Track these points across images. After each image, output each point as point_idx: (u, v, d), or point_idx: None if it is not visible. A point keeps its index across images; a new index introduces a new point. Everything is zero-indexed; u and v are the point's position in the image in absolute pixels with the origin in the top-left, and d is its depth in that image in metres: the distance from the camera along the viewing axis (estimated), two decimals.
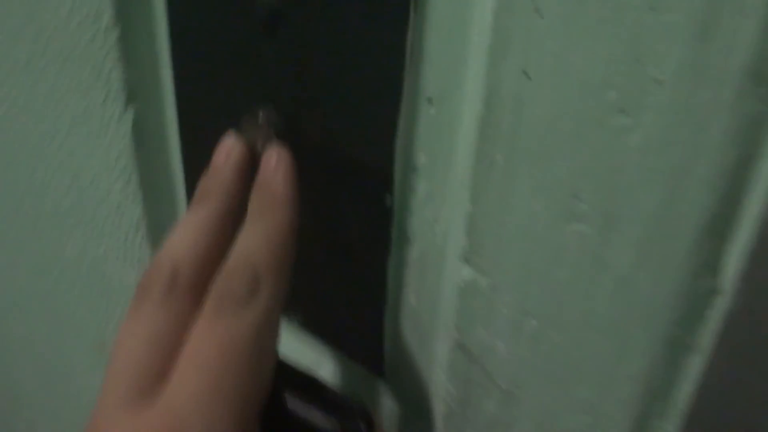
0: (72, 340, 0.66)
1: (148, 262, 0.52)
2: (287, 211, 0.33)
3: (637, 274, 0.26)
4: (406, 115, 0.31)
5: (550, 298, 0.29)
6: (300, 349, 0.44)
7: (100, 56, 0.43)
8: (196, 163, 0.43)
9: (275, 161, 0.34)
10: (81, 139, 0.49)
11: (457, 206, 0.31)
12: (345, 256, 0.38)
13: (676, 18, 0.22)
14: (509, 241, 0.29)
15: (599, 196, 0.26)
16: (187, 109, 0.42)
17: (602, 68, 0.24)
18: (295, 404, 0.37)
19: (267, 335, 0.32)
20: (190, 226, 0.34)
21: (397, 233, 0.35)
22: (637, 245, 0.26)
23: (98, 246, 0.55)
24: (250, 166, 0.36)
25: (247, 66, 0.37)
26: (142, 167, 0.47)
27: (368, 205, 0.35)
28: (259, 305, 0.30)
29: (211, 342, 0.30)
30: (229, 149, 0.36)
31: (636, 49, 0.23)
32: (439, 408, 0.38)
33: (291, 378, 0.37)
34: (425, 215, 0.34)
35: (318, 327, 0.43)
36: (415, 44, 0.30)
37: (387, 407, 0.42)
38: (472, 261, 0.31)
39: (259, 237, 0.33)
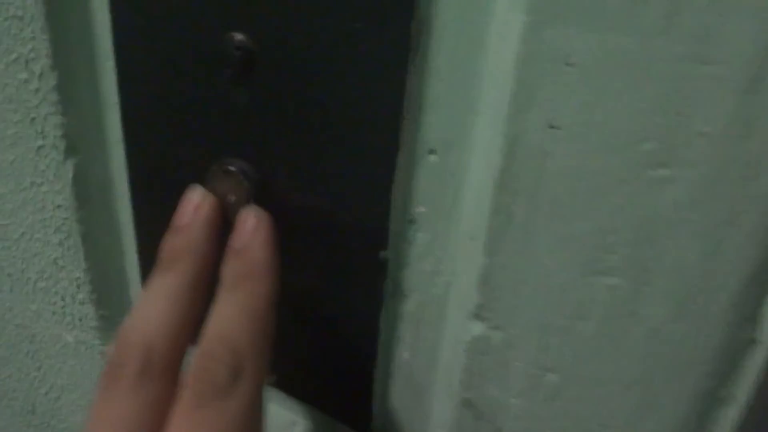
0: None
1: (89, 322, 0.47)
2: (266, 281, 0.30)
3: (671, 326, 0.25)
4: (403, 166, 0.29)
5: (573, 352, 0.28)
6: (272, 409, 0.41)
7: (33, 101, 0.39)
8: (149, 218, 0.39)
9: (252, 224, 0.31)
10: (10, 188, 0.44)
11: (465, 258, 0.30)
12: (331, 311, 0.35)
13: (724, 71, 0.21)
14: (528, 295, 0.28)
15: (633, 248, 0.25)
16: (138, 160, 0.39)
17: (639, 120, 0.23)
18: None
19: (252, 422, 0.29)
20: (159, 296, 0.31)
21: (390, 287, 0.33)
22: (673, 297, 0.25)
23: (30, 303, 0.50)
24: (222, 223, 0.33)
25: (213, 113, 0.34)
26: (84, 221, 0.43)
27: (360, 260, 0.32)
28: (242, 391, 0.28)
29: None
30: (197, 203, 0.33)
31: (678, 101, 0.22)
32: None
33: None
34: (423, 267, 0.32)
35: (295, 386, 0.40)
36: (414, 92, 0.28)
37: None
38: (484, 315, 0.29)
39: (237, 312, 0.30)
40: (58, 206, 0.42)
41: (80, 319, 0.48)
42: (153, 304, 0.31)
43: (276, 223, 0.32)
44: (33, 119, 0.39)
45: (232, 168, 0.33)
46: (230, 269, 0.31)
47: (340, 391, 0.38)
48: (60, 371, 0.53)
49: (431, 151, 0.29)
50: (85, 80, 0.39)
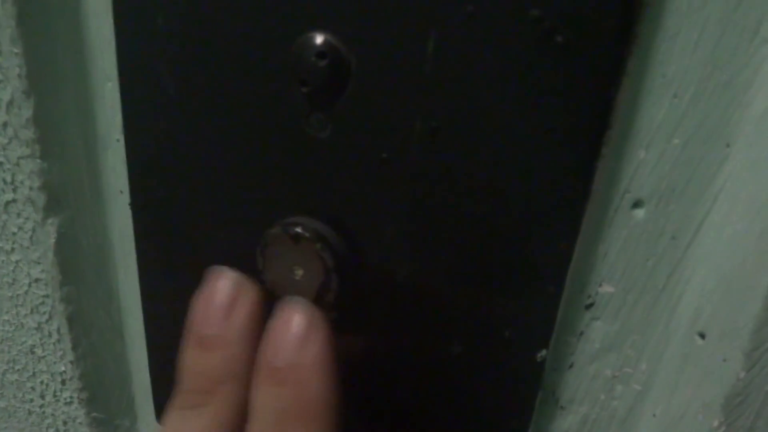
0: None
1: (78, 428, 0.36)
2: (327, 425, 0.20)
3: None
4: (590, 226, 0.19)
5: None
6: None
7: (0, 140, 0.28)
8: (162, 293, 0.28)
9: (299, 328, 0.20)
10: None
11: (680, 360, 0.19)
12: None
13: None
14: None
15: None
16: (149, 216, 0.28)
17: None
18: None
19: None
20: None
21: (545, 396, 0.23)
22: None
23: None
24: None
25: (273, 151, 0.23)
26: (71, 299, 0.31)
27: (507, 362, 0.22)
28: None
29: None
30: (230, 296, 0.22)
31: None
32: None
33: None
34: (599, 371, 0.21)
35: None
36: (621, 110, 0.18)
37: None
38: None
39: None
40: (36, 280, 0.31)
41: (65, 422, 0.36)
42: None
43: (368, 316, 0.21)
44: None
45: (302, 232, 0.23)
46: (271, 404, 0.20)
47: None
48: None
49: (637, 204, 0.19)
50: (73, 110, 0.28)
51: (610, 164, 0.18)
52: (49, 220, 0.29)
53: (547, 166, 0.18)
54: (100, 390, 0.34)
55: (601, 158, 0.18)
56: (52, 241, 0.30)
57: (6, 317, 0.34)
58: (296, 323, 0.20)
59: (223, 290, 0.21)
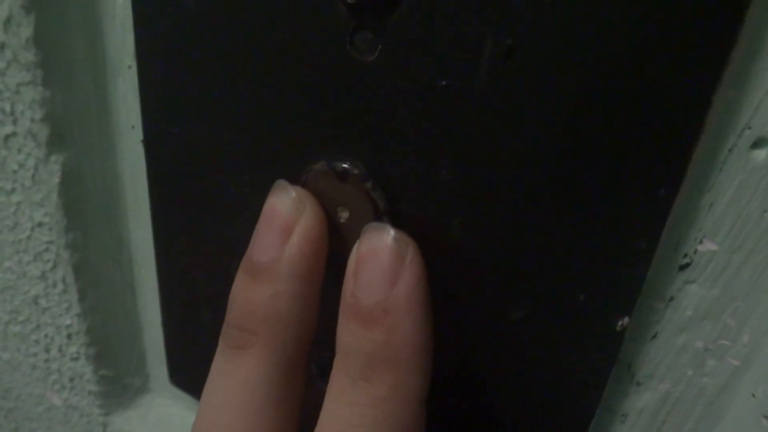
0: None
1: (84, 384, 0.33)
2: (419, 369, 0.18)
3: None
4: (695, 169, 0.16)
5: None
6: None
7: None
8: (178, 234, 0.25)
9: (390, 263, 0.18)
10: None
11: None
12: (520, 407, 0.21)
13: None
14: None
15: None
16: (165, 149, 0.24)
17: None
18: None
19: None
20: (232, 400, 0.18)
21: (616, 372, 0.19)
22: None
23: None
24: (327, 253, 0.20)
25: (312, 76, 0.20)
26: (77, 246, 0.28)
27: (582, 329, 0.19)
28: None
29: None
30: (288, 220, 0.19)
31: None
32: None
33: None
34: (689, 342, 0.18)
35: None
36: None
37: None
38: None
39: (372, 422, 0.17)
40: (39, 224, 0.28)
41: (71, 379, 0.33)
42: (222, 415, 0.18)
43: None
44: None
45: (351, 168, 0.19)
46: (358, 346, 0.17)
47: None
48: None
49: (757, 143, 0.15)
50: (79, 30, 0.24)
51: (731, 93, 0.15)
52: (53, 157, 0.26)
53: (649, 93, 0.15)
54: (109, 346, 0.32)
55: (720, 84, 0.14)
56: (56, 180, 0.26)
57: (8, 264, 0.31)
58: (387, 255, 0.17)
59: (281, 209, 0.19)
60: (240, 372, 0.18)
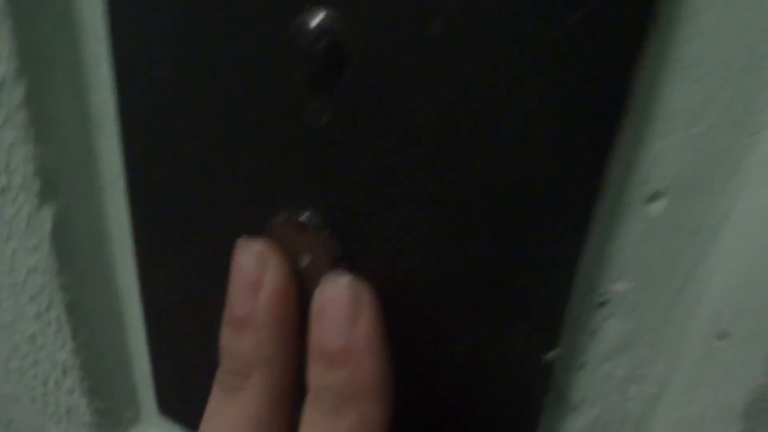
0: None
1: (80, 417, 0.35)
2: (383, 400, 0.20)
3: None
4: (604, 219, 0.18)
5: None
6: None
7: None
8: (160, 279, 0.28)
9: (347, 306, 0.20)
10: None
11: (700, 362, 0.18)
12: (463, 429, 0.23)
13: None
14: None
15: None
16: (146, 202, 0.27)
17: None
18: None
19: None
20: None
21: (553, 398, 0.21)
22: None
23: (2, 384, 0.38)
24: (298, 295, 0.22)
25: (271, 138, 0.22)
26: (69, 287, 0.31)
27: (513, 364, 0.21)
28: None
29: None
30: (254, 276, 0.21)
31: None
32: None
33: None
34: (611, 371, 0.20)
35: None
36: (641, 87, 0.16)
37: None
38: None
39: None
40: (33, 269, 0.30)
41: (68, 411, 0.36)
42: None
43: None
44: None
45: (307, 220, 0.22)
46: (327, 384, 0.19)
47: None
48: None
49: (654, 196, 0.17)
50: (67, 91, 0.27)
51: (626, 154, 0.17)
52: (45, 207, 0.28)
53: (558, 156, 0.17)
54: (102, 379, 0.34)
55: (616, 147, 0.17)
56: (48, 228, 0.29)
57: (6, 305, 0.33)
58: (345, 302, 0.19)
59: (247, 267, 0.21)
60: (232, 409, 0.21)
